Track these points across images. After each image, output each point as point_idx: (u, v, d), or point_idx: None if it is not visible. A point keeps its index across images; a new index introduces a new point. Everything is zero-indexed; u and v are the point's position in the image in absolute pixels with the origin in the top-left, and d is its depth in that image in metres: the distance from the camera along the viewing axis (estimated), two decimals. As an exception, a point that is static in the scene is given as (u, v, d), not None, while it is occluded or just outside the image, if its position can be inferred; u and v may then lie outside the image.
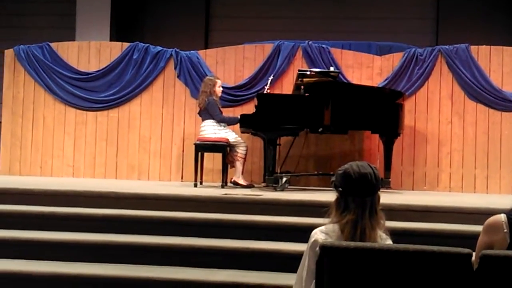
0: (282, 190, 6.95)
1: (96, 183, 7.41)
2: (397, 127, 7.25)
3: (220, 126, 7.48)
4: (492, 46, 8.08)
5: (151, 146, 8.43)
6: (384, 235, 2.69)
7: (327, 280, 2.50)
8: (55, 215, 5.65)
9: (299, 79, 7.27)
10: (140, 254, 5.10)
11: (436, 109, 8.03)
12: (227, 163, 7.53)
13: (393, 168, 7.47)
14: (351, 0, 11.38)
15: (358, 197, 2.65)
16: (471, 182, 7.93)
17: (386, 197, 5.96)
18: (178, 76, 8.42)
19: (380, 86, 7.92)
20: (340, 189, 2.69)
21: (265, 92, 7.54)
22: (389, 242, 2.68)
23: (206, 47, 10.68)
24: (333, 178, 2.74)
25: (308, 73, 7.35)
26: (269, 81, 7.73)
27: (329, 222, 2.72)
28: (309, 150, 8.08)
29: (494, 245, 2.67)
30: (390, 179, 7.24)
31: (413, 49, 8.18)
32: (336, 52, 8.23)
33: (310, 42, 8.26)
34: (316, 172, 7.91)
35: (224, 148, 7.38)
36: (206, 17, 11.80)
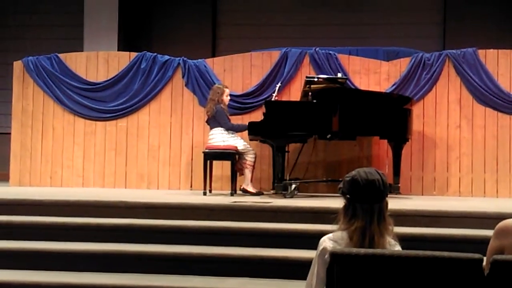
0: (291, 197, 6.95)
1: (106, 192, 7.44)
2: (405, 133, 7.24)
3: (229, 134, 7.49)
4: (499, 50, 8.05)
5: (160, 155, 8.44)
6: (393, 241, 2.68)
7: (337, 287, 2.50)
8: (65, 225, 5.67)
9: (307, 86, 7.27)
10: (150, 263, 5.11)
11: (445, 113, 8.00)
12: (236, 171, 7.52)
13: (402, 173, 7.45)
14: (357, 7, 11.38)
15: (366, 204, 2.64)
16: (480, 186, 7.90)
17: (395, 203, 5.96)
18: (186, 85, 8.44)
19: (388, 91, 7.92)
20: (348, 196, 2.68)
21: (273, 99, 7.54)
22: (398, 248, 2.67)
23: (213, 55, 10.71)
24: (341, 185, 2.73)
25: (316, 79, 7.34)
26: (277, 88, 7.72)
27: (337, 229, 2.71)
28: (318, 156, 8.07)
29: (505, 250, 2.65)
30: (399, 185, 7.22)
31: (421, 54, 8.17)
32: (343, 58, 8.23)
33: (317, 49, 8.26)
34: (325, 179, 7.90)
35: (232, 156, 7.39)
36: (213, 25, 11.84)
